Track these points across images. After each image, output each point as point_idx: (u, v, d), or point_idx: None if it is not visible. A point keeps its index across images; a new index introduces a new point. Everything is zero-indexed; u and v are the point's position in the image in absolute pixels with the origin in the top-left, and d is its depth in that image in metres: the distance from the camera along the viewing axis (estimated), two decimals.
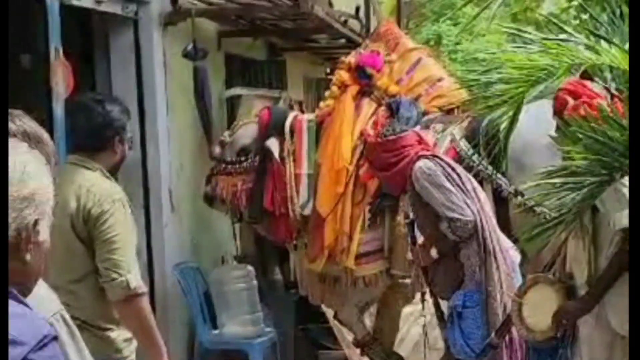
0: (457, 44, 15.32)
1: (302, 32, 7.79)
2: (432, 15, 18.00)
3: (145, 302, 3.42)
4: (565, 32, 3.75)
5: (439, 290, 4.58)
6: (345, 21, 8.02)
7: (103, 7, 5.26)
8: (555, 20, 4.18)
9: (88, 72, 5.78)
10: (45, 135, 1.86)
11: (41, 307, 1.73)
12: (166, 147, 5.88)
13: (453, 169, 4.40)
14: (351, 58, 6.00)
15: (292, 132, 5.93)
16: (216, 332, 6.05)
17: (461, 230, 4.25)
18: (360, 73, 5.86)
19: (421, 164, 4.37)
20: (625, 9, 3.42)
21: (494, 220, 4.48)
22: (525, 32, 3.86)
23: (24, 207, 1.58)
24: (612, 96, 3.58)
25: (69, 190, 3.32)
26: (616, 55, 3.28)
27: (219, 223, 6.52)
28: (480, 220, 4.32)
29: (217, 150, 6.09)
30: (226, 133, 6.20)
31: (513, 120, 3.51)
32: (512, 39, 4.11)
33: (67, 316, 1.76)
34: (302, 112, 8.21)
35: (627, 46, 3.25)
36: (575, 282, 3.75)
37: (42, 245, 1.64)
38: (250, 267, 6.22)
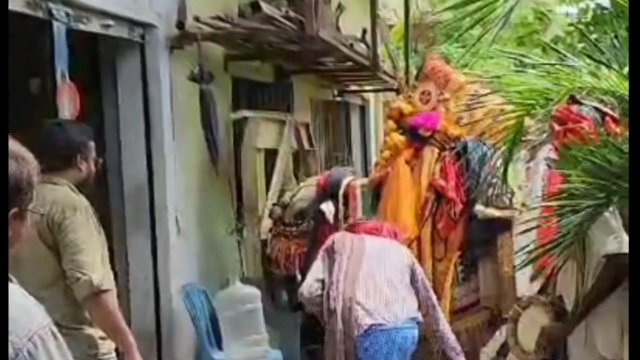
0: (465, 66, 15.35)
1: (308, 55, 7.82)
2: (441, 38, 18.03)
3: (110, 298, 3.63)
4: (567, 57, 3.78)
5: None
6: (352, 44, 8.07)
7: (110, 32, 5.31)
8: (555, 47, 4.22)
9: (95, 95, 5.82)
10: (28, 154, 1.90)
11: (31, 320, 1.78)
12: (172, 170, 5.91)
13: None
14: (402, 105, 5.74)
15: (346, 197, 5.83)
16: (222, 353, 6.06)
17: None
18: (415, 135, 5.62)
19: None
20: (624, 33, 3.45)
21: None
22: (525, 56, 3.90)
23: None
24: (604, 117, 3.59)
25: (37, 204, 3.47)
26: (615, 80, 3.31)
27: (225, 245, 6.54)
28: None
29: (277, 211, 6.09)
30: (287, 194, 6.18)
31: (513, 145, 3.53)
32: (519, 63, 4.15)
33: (55, 329, 1.81)
34: (309, 135, 8.25)
35: (626, 70, 3.27)
36: (565, 305, 3.77)
37: None
38: (255, 289, 6.22)
